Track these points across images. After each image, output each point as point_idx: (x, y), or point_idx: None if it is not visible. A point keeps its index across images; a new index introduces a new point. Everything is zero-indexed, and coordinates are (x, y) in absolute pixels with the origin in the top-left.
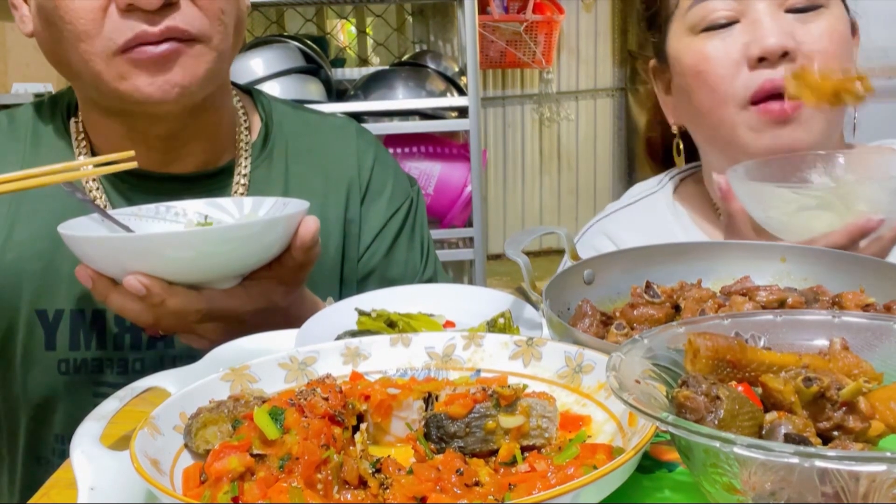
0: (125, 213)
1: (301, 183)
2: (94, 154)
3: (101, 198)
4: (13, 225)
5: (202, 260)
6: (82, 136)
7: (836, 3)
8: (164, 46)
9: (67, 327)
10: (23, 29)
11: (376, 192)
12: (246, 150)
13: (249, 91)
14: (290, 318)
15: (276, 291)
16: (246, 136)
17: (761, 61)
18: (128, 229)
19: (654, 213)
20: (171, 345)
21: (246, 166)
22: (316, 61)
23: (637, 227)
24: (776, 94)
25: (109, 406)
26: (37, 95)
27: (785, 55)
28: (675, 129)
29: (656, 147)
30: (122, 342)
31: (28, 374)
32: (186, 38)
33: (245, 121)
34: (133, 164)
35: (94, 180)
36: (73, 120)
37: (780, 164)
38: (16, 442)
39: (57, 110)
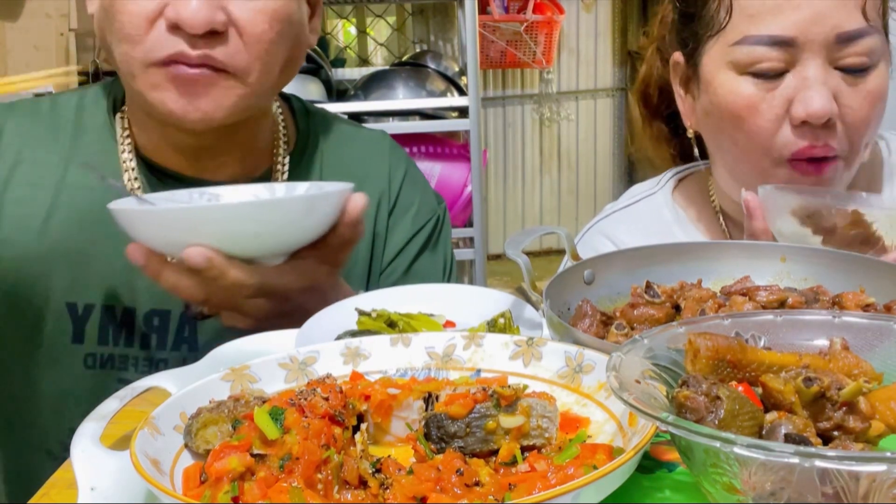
0: (158, 198)
1: None
2: (137, 153)
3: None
4: (52, 212)
5: (261, 232)
6: (127, 132)
7: (885, 57)
8: (197, 71)
9: (97, 322)
10: (87, 5)
11: (403, 209)
12: (283, 163)
13: (288, 98)
14: (328, 302)
15: (319, 270)
16: (284, 148)
17: (804, 123)
18: None
19: (654, 214)
20: (195, 347)
21: (284, 175)
22: (316, 61)
23: (636, 228)
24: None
25: (109, 406)
26: (37, 95)
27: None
28: (690, 133)
29: (651, 101)
30: (148, 341)
31: (52, 365)
32: (221, 69)
33: (284, 130)
34: None
35: (134, 178)
36: (118, 115)
37: (811, 192)
38: (25, 432)
39: (103, 103)
